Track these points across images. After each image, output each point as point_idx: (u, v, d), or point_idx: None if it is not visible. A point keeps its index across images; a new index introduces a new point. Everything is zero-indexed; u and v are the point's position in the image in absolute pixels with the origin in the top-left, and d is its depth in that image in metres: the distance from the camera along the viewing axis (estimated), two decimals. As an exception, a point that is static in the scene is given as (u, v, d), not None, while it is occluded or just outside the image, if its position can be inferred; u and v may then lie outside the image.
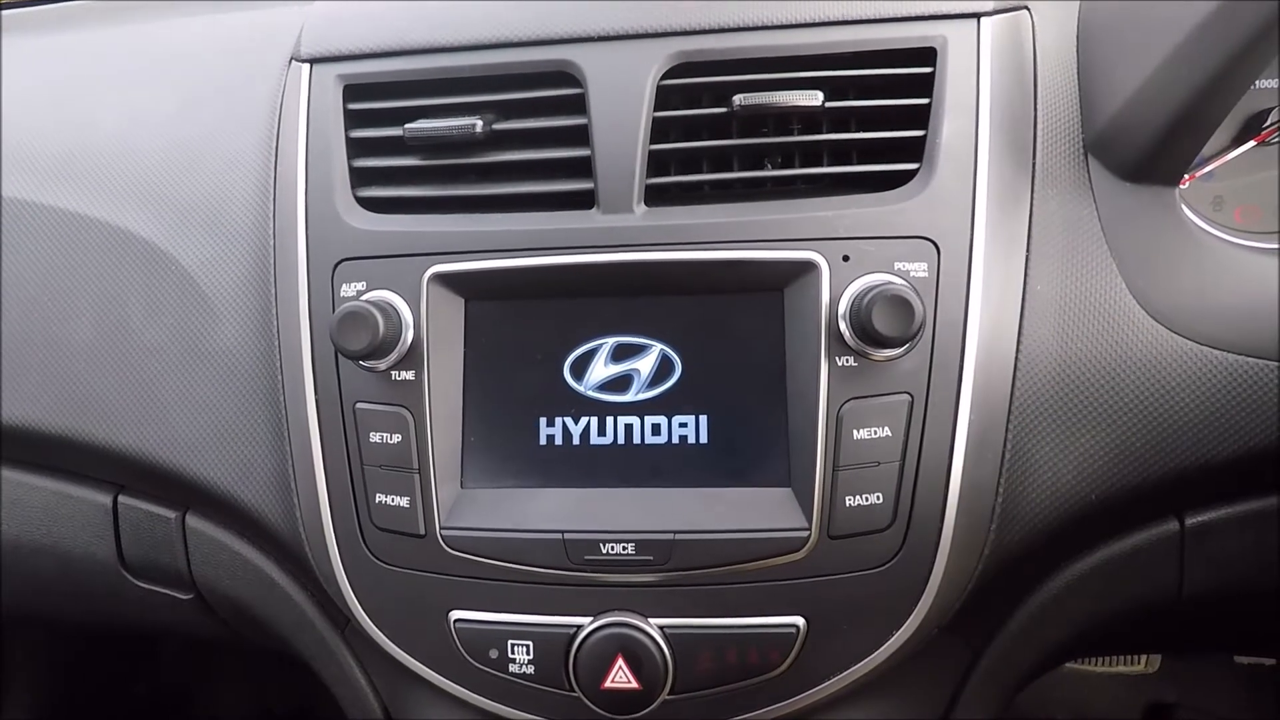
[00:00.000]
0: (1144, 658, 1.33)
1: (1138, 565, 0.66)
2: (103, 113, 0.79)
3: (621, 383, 0.62)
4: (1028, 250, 0.62)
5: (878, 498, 0.58)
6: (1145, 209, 0.62)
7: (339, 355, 0.64)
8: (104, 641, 1.30)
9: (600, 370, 0.62)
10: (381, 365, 0.62)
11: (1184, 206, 0.65)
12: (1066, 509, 0.61)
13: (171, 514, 0.77)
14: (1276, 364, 0.58)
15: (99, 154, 0.76)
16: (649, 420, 0.61)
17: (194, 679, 1.42)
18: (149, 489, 0.78)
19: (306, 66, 0.70)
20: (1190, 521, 0.65)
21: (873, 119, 0.63)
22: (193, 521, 0.77)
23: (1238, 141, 0.69)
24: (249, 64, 0.76)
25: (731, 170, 0.64)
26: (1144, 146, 0.60)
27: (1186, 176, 0.68)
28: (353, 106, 0.68)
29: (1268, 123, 0.68)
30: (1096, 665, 1.35)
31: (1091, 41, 0.65)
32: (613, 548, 0.59)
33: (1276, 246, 0.68)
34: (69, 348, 0.73)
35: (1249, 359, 0.59)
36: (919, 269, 0.59)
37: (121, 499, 0.79)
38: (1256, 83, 0.68)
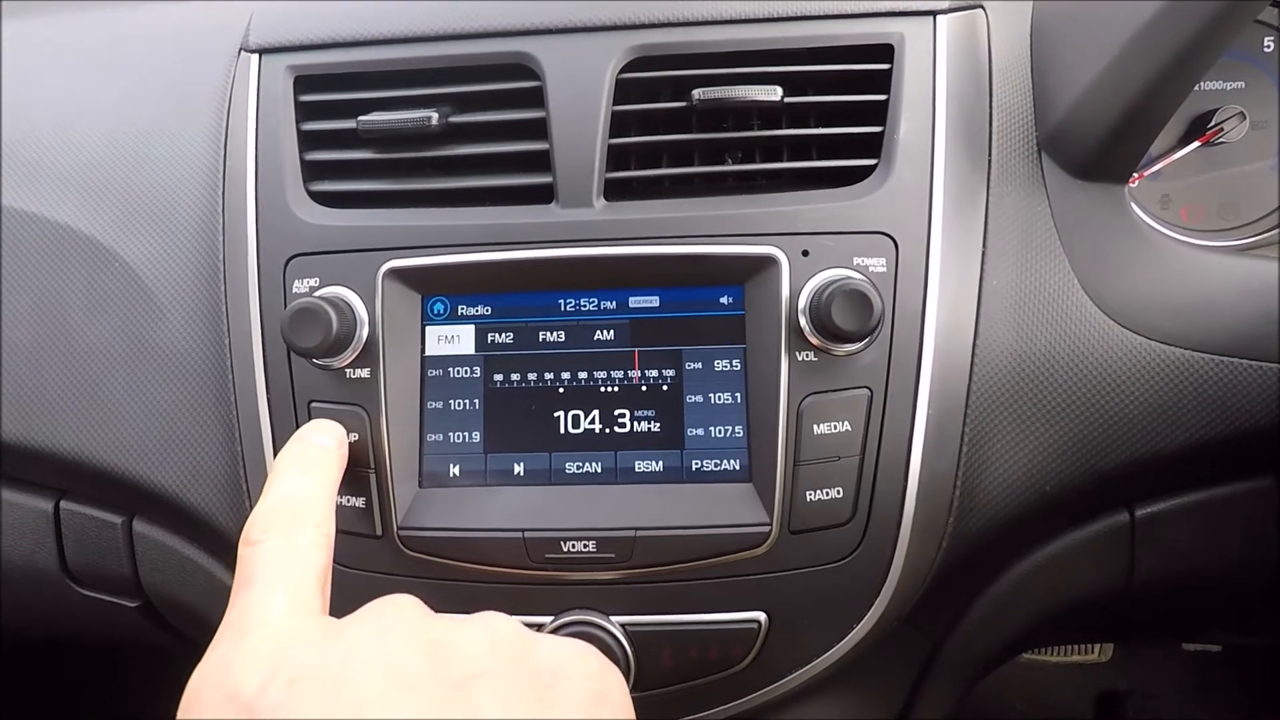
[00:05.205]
0: (1097, 648, 1.36)
1: (1091, 555, 0.68)
2: (41, 102, 0.76)
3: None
4: (984, 246, 0.62)
5: (838, 492, 0.58)
6: (1096, 206, 0.63)
7: (291, 353, 0.62)
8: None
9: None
10: (336, 363, 0.60)
11: (1133, 204, 0.66)
12: (1022, 500, 0.62)
13: (117, 519, 0.75)
14: (1219, 359, 0.59)
15: (36, 145, 0.73)
16: (610, 416, 0.61)
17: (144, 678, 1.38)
18: (93, 493, 0.75)
19: (255, 57, 0.68)
20: (1140, 513, 0.66)
21: (832, 115, 0.64)
22: (139, 526, 0.74)
23: (1184, 142, 0.70)
24: (197, 53, 0.73)
25: (692, 165, 0.64)
26: (1094, 145, 0.61)
27: (1136, 175, 0.69)
28: (304, 98, 0.66)
29: (1211, 123, 0.70)
30: (1052, 655, 1.38)
31: (1044, 40, 0.66)
32: (574, 546, 0.59)
33: (1218, 244, 0.70)
34: (8, 349, 0.70)
35: (1194, 353, 0.60)
36: (877, 264, 0.59)
37: (64, 504, 0.76)
38: (1201, 85, 0.69)
